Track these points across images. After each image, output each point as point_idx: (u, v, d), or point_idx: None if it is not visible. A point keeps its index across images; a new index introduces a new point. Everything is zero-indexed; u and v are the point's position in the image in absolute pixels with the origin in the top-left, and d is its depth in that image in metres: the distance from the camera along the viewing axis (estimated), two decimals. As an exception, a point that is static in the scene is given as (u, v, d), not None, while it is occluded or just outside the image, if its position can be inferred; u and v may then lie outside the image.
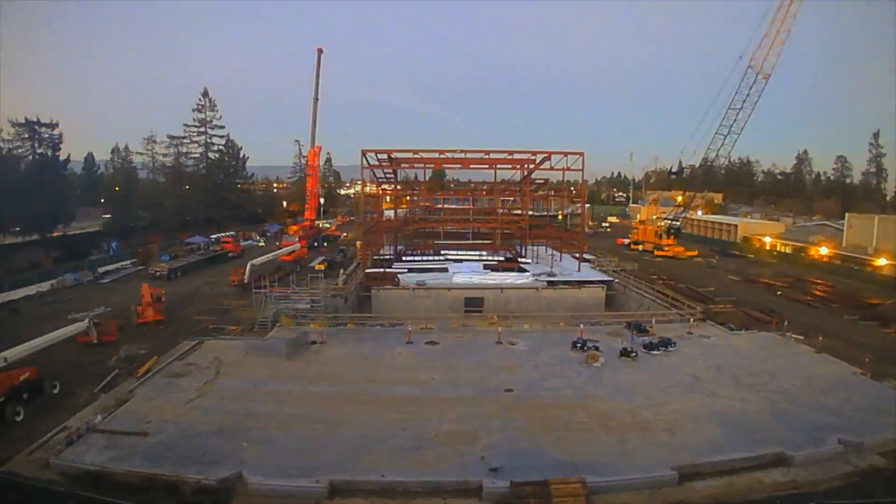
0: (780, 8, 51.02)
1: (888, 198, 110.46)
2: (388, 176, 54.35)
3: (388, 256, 51.29)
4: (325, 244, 69.14)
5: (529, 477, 14.69)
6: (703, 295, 40.26)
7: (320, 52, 61.90)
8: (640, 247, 67.01)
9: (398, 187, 59.45)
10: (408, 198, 68.13)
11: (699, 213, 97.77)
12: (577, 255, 48.05)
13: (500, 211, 62.04)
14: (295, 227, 70.98)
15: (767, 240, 69.89)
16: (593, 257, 52.79)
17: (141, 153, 74.86)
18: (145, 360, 24.66)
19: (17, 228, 54.23)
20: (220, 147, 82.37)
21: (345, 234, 76.07)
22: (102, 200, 75.14)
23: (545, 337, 28.62)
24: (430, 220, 59.33)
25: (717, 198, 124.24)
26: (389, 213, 62.70)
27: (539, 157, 48.28)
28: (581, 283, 40.12)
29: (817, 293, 41.75)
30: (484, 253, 53.15)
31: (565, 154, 46.90)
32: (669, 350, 26.05)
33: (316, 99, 62.84)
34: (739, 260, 61.04)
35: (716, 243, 73.64)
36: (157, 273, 47.69)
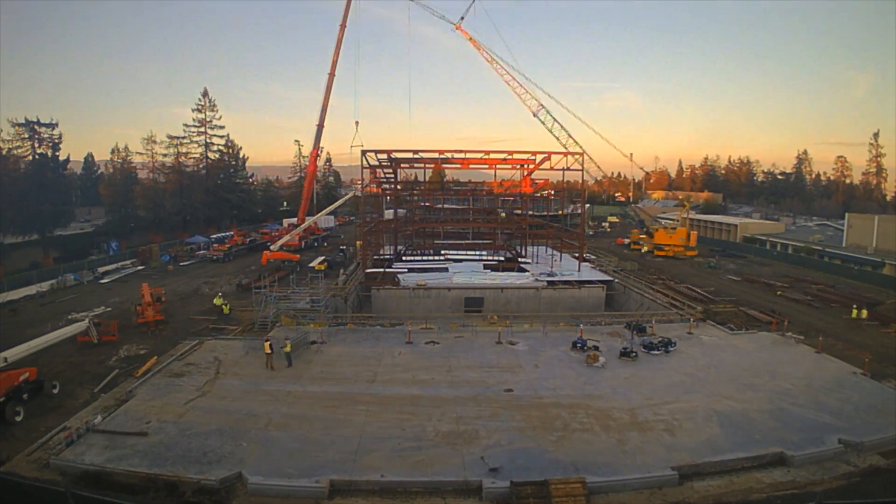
0: None
1: (888, 198, 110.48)
2: (388, 176, 54.38)
3: (388, 256, 51.29)
4: (325, 244, 69.16)
5: (529, 477, 14.71)
6: (703, 295, 40.25)
7: (343, 27, 60.97)
8: (641, 247, 67.11)
9: (398, 187, 59.45)
10: (408, 198, 68.12)
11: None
12: (578, 255, 48.11)
13: (500, 211, 62.02)
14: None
15: (767, 240, 69.95)
16: (594, 257, 52.80)
17: (141, 153, 74.82)
18: (145, 360, 24.65)
19: (18, 229, 54.24)
20: (220, 147, 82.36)
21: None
22: (102, 201, 75.15)
23: (545, 337, 28.65)
24: (430, 221, 59.35)
25: (718, 198, 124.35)
26: (389, 213, 62.66)
27: (539, 157, 48.34)
28: (581, 283, 40.13)
29: (817, 293, 41.73)
30: (484, 253, 53.16)
31: (565, 154, 46.96)
32: (669, 350, 26.07)
33: (331, 74, 61.71)
34: (739, 260, 61.03)
35: (716, 243, 73.65)
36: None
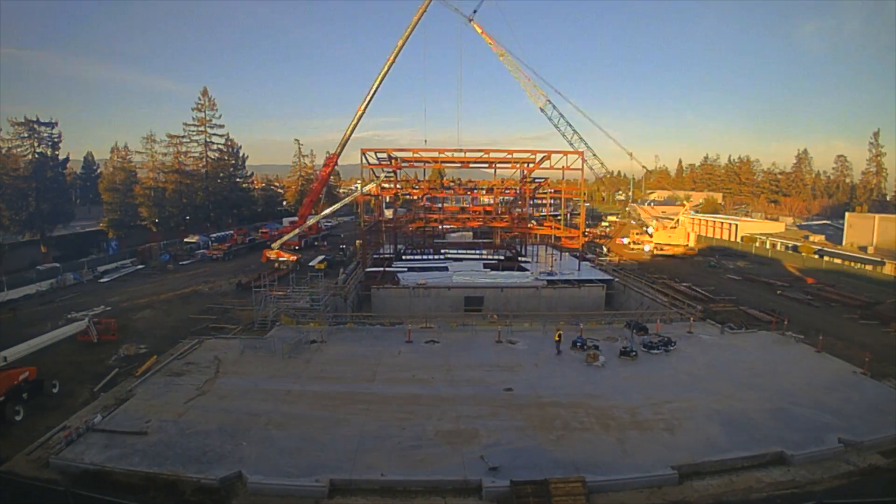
0: None
1: (888, 198, 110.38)
2: (388, 175, 54.33)
3: (388, 255, 51.27)
4: (325, 243, 69.14)
5: (529, 476, 14.68)
6: (703, 294, 40.24)
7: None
8: (641, 246, 67.14)
9: (398, 186, 59.38)
10: (407, 196, 68.02)
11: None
12: (578, 254, 48.11)
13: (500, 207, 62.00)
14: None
15: (767, 239, 69.93)
16: (593, 256, 52.80)
17: (141, 153, 74.71)
18: (145, 360, 24.64)
19: (17, 228, 54.20)
20: (220, 147, 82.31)
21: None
22: (102, 200, 75.08)
23: (545, 336, 28.60)
24: (430, 220, 59.28)
25: (718, 197, 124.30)
26: (389, 213, 62.62)
27: (539, 157, 48.33)
28: (581, 283, 40.12)
29: (817, 293, 41.69)
30: (484, 252, 53.17)
31: (565, 154, 46.97)
32: (669, 349, 26.06)
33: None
34: (739, 259, 61.00)
35: (715, 242, 73.60)
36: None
